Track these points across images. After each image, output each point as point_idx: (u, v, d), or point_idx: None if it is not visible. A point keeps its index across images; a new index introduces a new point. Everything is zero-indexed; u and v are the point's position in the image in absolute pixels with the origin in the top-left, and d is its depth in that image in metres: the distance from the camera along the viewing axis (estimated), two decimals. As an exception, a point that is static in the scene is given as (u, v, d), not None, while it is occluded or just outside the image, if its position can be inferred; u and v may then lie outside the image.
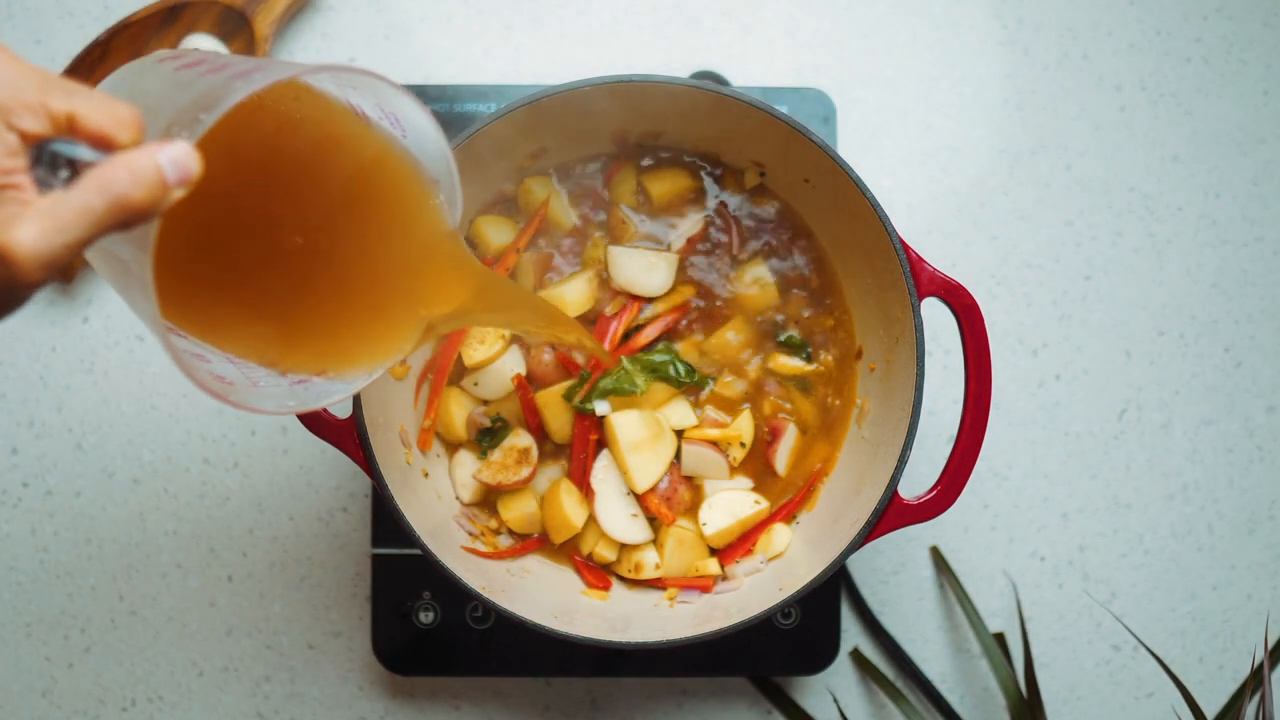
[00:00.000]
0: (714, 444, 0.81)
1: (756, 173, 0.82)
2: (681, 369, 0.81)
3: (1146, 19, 0.93)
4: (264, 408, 0.59)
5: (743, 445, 0.82)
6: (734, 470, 0.82)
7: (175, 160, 0.49)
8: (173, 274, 0.53)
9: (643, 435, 0.81)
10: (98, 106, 0.48)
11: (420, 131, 0.60)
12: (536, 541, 0.82)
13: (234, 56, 0.58)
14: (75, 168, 0.48)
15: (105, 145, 0.48)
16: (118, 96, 0.52)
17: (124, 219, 0.47)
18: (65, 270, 0.88)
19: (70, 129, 0.48)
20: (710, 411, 0.83)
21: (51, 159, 0.48)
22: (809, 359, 0.83)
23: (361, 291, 0.61)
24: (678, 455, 0.82)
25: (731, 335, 0.82)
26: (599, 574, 0.82)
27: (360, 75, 0.56)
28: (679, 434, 0.82)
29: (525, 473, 0.81)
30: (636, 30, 0.92)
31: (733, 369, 0.83)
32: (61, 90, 0.48)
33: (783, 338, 0.82)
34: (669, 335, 0.82)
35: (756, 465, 0.82)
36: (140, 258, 0.51)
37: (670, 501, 0.81)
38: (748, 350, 0.83)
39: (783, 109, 0.77)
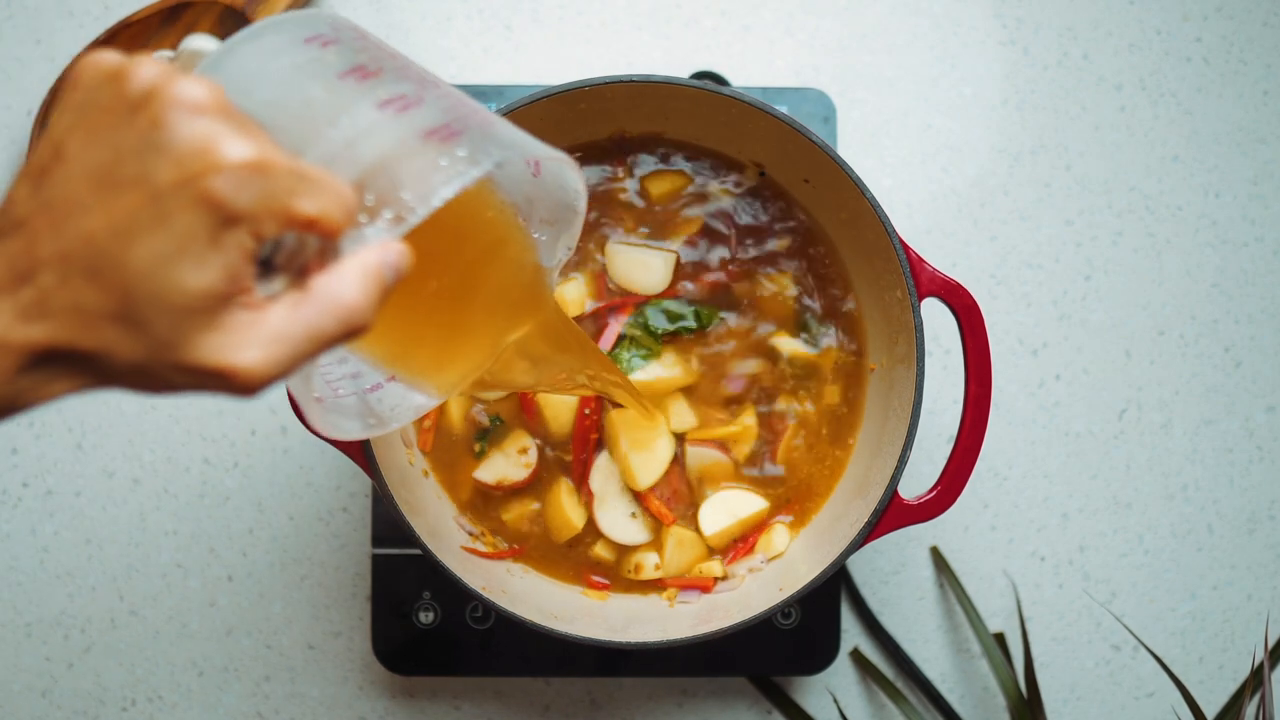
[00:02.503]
0: (719, 443, 0.81)
1: (756, 172, 0.82)
2: (689, 313, 0.81)
3: (1146, 19, 0.93)
4: (341, 429, 0.57)
5: (748, 442, 0.82)
6: (738, 468, 0.82)
7: (395, 265, 0.46)
8: None
9: (643, 434, 0.81)
10: (324, 193, 0.45)
11: (562, 184, 0.58)
12: (535, 542, 0.82)
13: (407, 69, 0.52)
14: (288, 257, 0.45)
15: (325, 234, 0.45)
16: (260, 96, 0.48)
17: (350, 334, 0.45)
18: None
19: (303, 224, 0.45)
20: (718, 411, 0.83)
21: (269, 253, 0.45)
22: (814, 344, 0.82)
23: (456, 309, 0.59)
24: (679, 455, 0.82)
25: (735, 318, 0.82)
26: (599, 574, 0.82)
27: (570, 169, 0.55)
28: (680, 436, 0.82)
29: (525, 473, 0.81)
30: (636, 30, 0.92)
31: (737, 362, 0.83)
32: (302, 185, 0.44)
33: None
34: (672, 338, 0.82)
35: (759, 465, 0.82)
36: None
37: (670, 501, 0.81)
38: (750, 351, 0.83)
39: (783, 109, 0.77)
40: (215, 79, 0.48)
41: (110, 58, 0.44)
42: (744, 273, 0.82)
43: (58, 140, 0.43)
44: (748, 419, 0.82)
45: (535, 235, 0.61)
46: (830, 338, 0.83)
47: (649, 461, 0.81)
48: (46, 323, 0.42)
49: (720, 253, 0.82)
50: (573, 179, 0.57)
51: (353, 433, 0.58)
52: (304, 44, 0.50)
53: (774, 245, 0.82)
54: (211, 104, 0.43)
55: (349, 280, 0.45)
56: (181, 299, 0.42)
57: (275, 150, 0.44)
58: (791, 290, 0.82)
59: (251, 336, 0.43)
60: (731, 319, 0.82)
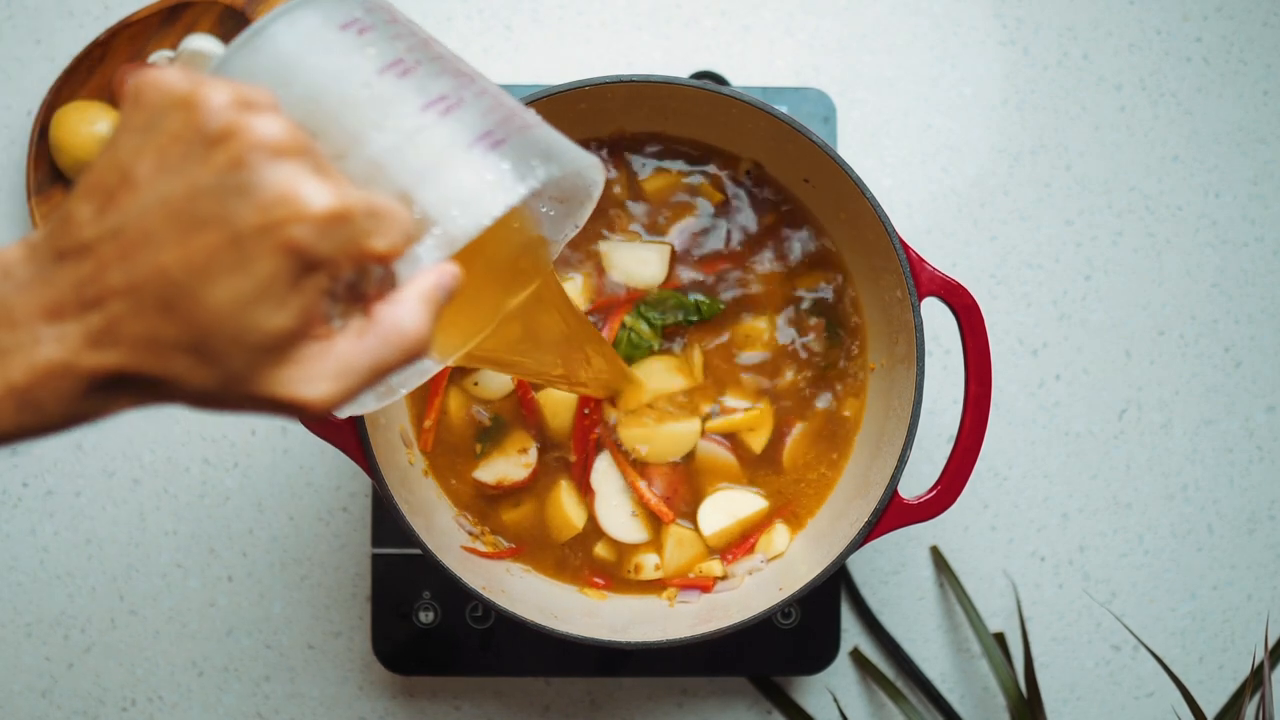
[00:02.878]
0: (727, 437, 0.81)
1: (753, 170, 0.82)
2: (692, 303, 0.81)
3: (1146, 19, 0.93)
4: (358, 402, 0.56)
5: (762, 432, 0.81)
6: (742, 464, 0.82)
7: (449, 288, 0.47)
8: None
9: (647, 432, 0.81)
10: (393, 227, 0.45)
11: (580, 172, 0.57)
12: (535, 542, 0.82)
13: (441, 60, 0.50)
14: (350, 286, 0.45)
15: (382, 261, 0.46)
16: (299, 89, 0.47)
17: (411, 360, 0.46)
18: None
19: (375, 260, 0.46)
20: (729, 399, 0.82)
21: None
22: (814, 343, 0.82)
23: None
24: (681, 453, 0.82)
25: (736, 316, 0.82)
26: (599, 574, 0.82)
27: (596, 170, 0.54)
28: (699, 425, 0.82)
29: (525, 473, 0.81)
30: (636, 30, 0.92)
31: (744, 353, 0.83)
32: (375, 223, 0.44)
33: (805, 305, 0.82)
34: (674, 333, 0.82)
35: (761, 463, 0.82)
36: None
37: (670, 500, 0.81)
38: (750, 349, 0.83)
39: (783, 109, 0.77)
40: (252, 64, 0.47)
41: (178, 81, 0.43)
42: (741, 269, 0.82)
43: (124, 163, 0.43)
44: (760, 405, 0.82)
45: (545, 210, 0.62)
46: (830, 337, 0.83)
47: (671, 441, 0.81)
48: (116, 350, 0.43)
49: (715, 248, 0.82)
50: (595, 175, 0.57)
51: (366, 405, 0.58)
52: (339, 30, 0.49)
53: (772, 242, 0.82)
54: (291, 145, 0.43)
55: (410, 309, 0.46)
56: (258, 338, 0.43)
57: (350, 190, 0.44)
58: (791, 290, 0.82)
59: (321, 369, 0.44)
60: (731, 316, 0.82)
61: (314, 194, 0.42)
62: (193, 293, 0.42)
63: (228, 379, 0.43)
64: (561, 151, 0.51)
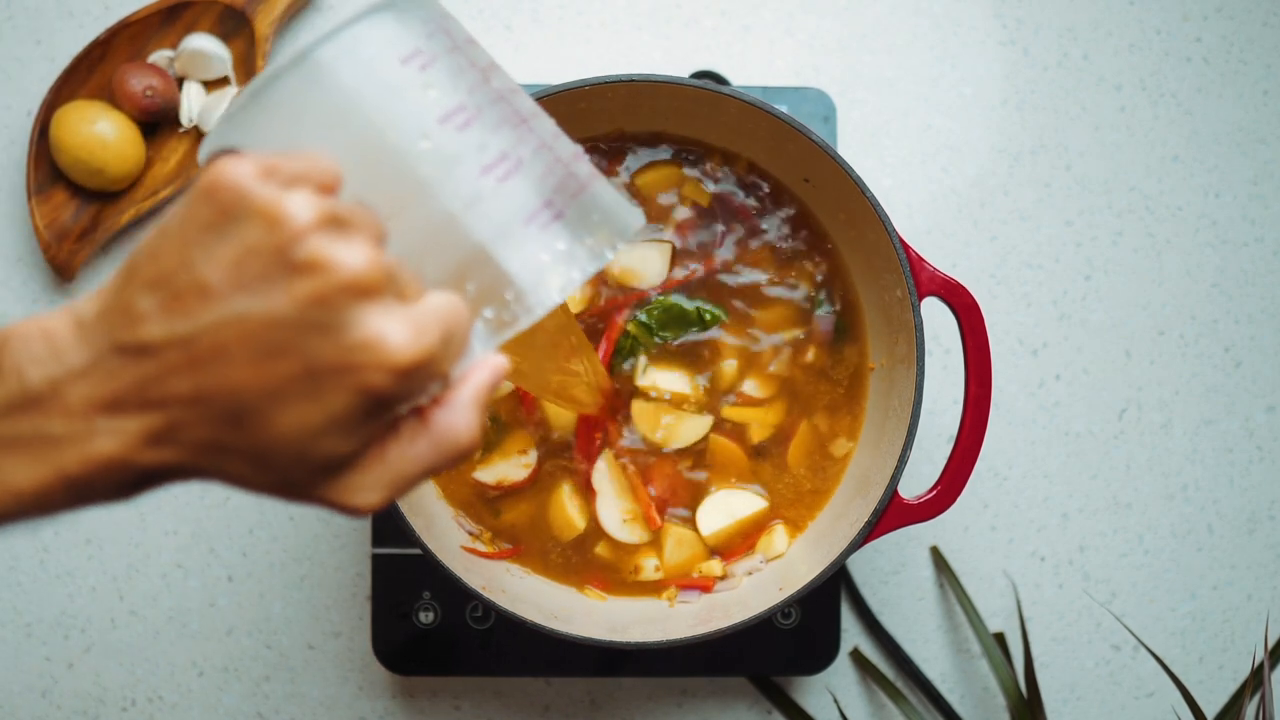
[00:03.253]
0: (735, 428, 0.81)
1: (754, 169, 0.82)
2: (694, 314, 0.81)
3: (1146, 19, 0.93)
4: None
5: (772, 422, 0.81)
6: (746, 459, 0.82)
7: (498, 383, 0.46)
8: None
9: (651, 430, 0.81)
10: (459, 350, 0.44)
11: (629, 229, 0.53)
12: (535, 542, 0.82)
13: (500, 100, 0.47)
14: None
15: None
16: (355, 130, 0.44)
17: (459, 463, 0.46)
18: (66, 269, 0.88)
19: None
20: (746, 386, 0.82)
21: None
22: (814, 342, 0.82)
23: None
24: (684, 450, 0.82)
25: (736, 317, 0.82)
26: (599, 574, 0.82)
27: (637, 219, 0.51)
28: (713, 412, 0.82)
29: (525, 473, 0.81)
30: (636, 30, 0.92)
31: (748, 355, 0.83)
32: (449, 350, 0.43)
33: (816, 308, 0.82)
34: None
35: (764, 460, 0.82)
36: None
37: (669, 501, 0.81)
38: (751, 349, 0.83)
39: (783, 108, 0.77)
40: (306, 93, 0.44)
41: (258, 189, 0.41)
42: (740, 269, 0.82)
43: (194, 264, 0.41)
44: (767, 393, 0.81)
45: None
46: (829, 337, 0.83)
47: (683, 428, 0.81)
48: (176, 449, 0.43)
49: (714, 248, 0.82)
50: (637, 223, 0.54)
51: None
52: (401, 65, 0.45)
53: (771, 242, 0.82)
54: (377, 281, 0.41)
55: (463, 414, 0.45)
56: (320, 461, 0.43)
57: (430, 318, 0.42)
58: (791, 289, 0.82)
59: (374, 479, 0.44)
60: (732, 318, 0.82)
61: (398, 345, 0.41)
62: (262, 414, 0.42)
63: (283, 485, 0.44)
64: (614, 216, 0.49)
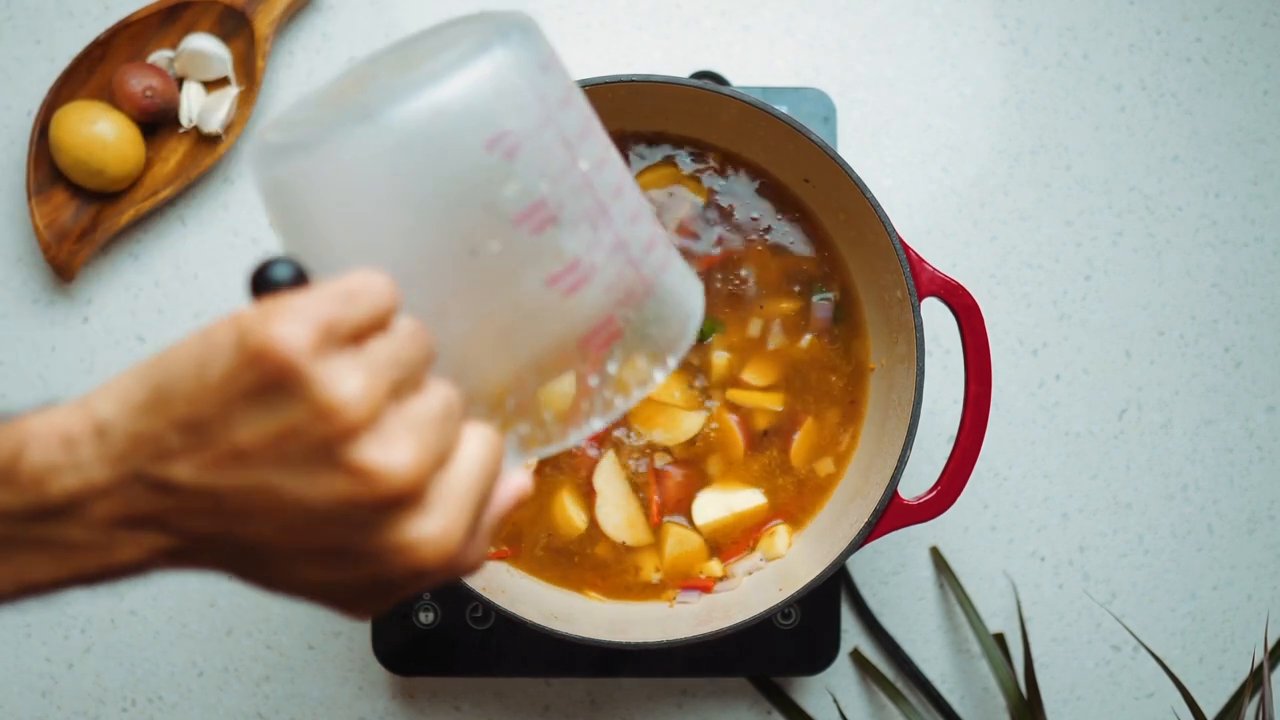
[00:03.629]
0: (735, 423, 0.81)
1: (754, 169, 0.82)
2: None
3: (1146, 19, 0.93)
4: None
5: (774, 406, 0.81)
6: (750, 458, 0.82)
7: (518, 503, 0.45)
8: None
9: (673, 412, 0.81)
10: (484, 514, 0.43)
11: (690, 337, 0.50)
12: (535, 543, 0.82)
13: (581, 193, 0.42)
14: None
15: None
16: (422, 212, 0.40)
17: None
18: (66, 269, 0.88)
19: None
20: (746, 375, 0.82)
21: None
22: (813, 343, 0.82)
23: None
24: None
25: (735, 317, 0.82)
26: (599, 575, 0.82)
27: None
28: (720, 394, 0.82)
29: (525, 473, 0.81)
30: (636, 30, 0.92)
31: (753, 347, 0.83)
32: (479, 520, 0.42)
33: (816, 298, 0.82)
34: None
35: (763, 457, 0.82)
36: None
37: (672, 505, 0.81)
38: (752, 349, 0.83)
39: (783, 109, 0.77)
40: (372, 158, 0.39)
41: (313, 373, 0.37)
42: (739, 269, 0.82)
43: (233, 428, 0.38)
44: (775, 384, 0.81)
45: None
46: (829, 337, 0.83)
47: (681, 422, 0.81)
48: (192, 565, 0.43)
49: (714, 248, 0.82)
50: (689, 336, 0.49)
51: None
52: (485, 152, 0.39)
53: (771, 243, 0.82)
54: (418, 490, 0.39)
55: (479, 545, 0.44)
56: (331, 604, 0.43)
57: (469, 509, 0.41)
58: (790, 287, 0.82)
59: (376, 603, 0.44)
60: (731, 319, 0.82)
61: (431, 551, 0.40)
62: (282, 567, 0.41)
63: (289, 595, 0.44)
64: (672, 324, 0.45)
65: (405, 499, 0.39)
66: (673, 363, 0.45)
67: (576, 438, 0.43)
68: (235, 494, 0.39)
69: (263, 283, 0.39)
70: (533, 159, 0.41)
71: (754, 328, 0.82)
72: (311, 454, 0.38)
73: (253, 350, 0.37)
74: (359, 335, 0.39)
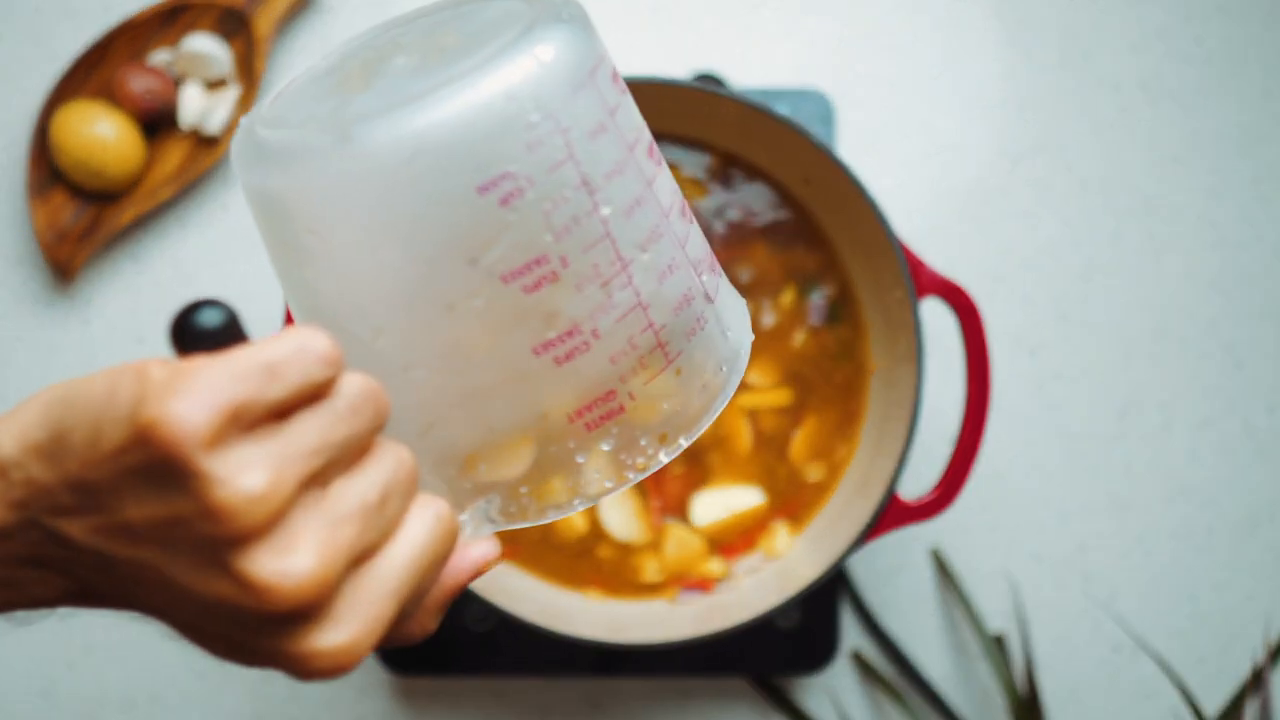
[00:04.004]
0: (736, 423, 0.81)
1: (754, 169, 0.82)
2: None
3: (1147, 19, 0.93)
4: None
5: (770, 419, 0.81)
6: (752, 457, 0.82)
7: (473, 580, 0.39)
8: None
9: None
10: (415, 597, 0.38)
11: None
12: (535, 543, 0.82)
13: (598, 245, 0.35)
14: None
15: None
16: (399, 253, 0.34)
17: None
18: (66, 270, 0.88)
19: None
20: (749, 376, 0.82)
21: None
22: (814, 343, 0.82)
23: None
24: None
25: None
26: (600, 575, 0.82)
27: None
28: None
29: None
30: (636, 30, 0.92)
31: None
32: (403, 606, 0.37)
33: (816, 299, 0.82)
34: None
35: (764, 458, 0.82)
36: None
37: (673, 506, 0.81)
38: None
39: (782, 109, 0.77)
40: (349, 184, 0.34)
41: (202, 468, 0.32)
42: (739, 270, 0.82)
43: (121, 503, 0.34)
44: (777, 384, 0.81)
45: None
46: (829, 338, 0.83)
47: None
48: (104, 605, 0.41)
49: (714, 248, 0.82)
50: (702, 425, 0.42)
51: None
52: (477, 195, 0.33)
53: (770, 243, 0.82)
54: (316, 602, 0.34)
55: (423, 622, 0.40)
56: (252, 655, 0.39)
57: (385, 611, 0.36)
58: (790, 290, 0.82)
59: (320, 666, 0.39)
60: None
61: (329, 665, 0.36)
62: (187, 635, 0.40)
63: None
64: (694, 415, 0.37)
65: (301, 613, 0.34)
66: (685, 443, 0.38)
67: (555, 516, 0.38)
68: (126, 564, 0.37)
69: (186, 330, 0.34)
70: (536, 207, 0.34)
71: (752, 327, 0.82)
72: (197, 551, 0.34)
73: (143, 426, 0.32)
74: (283, 411, 0.34)
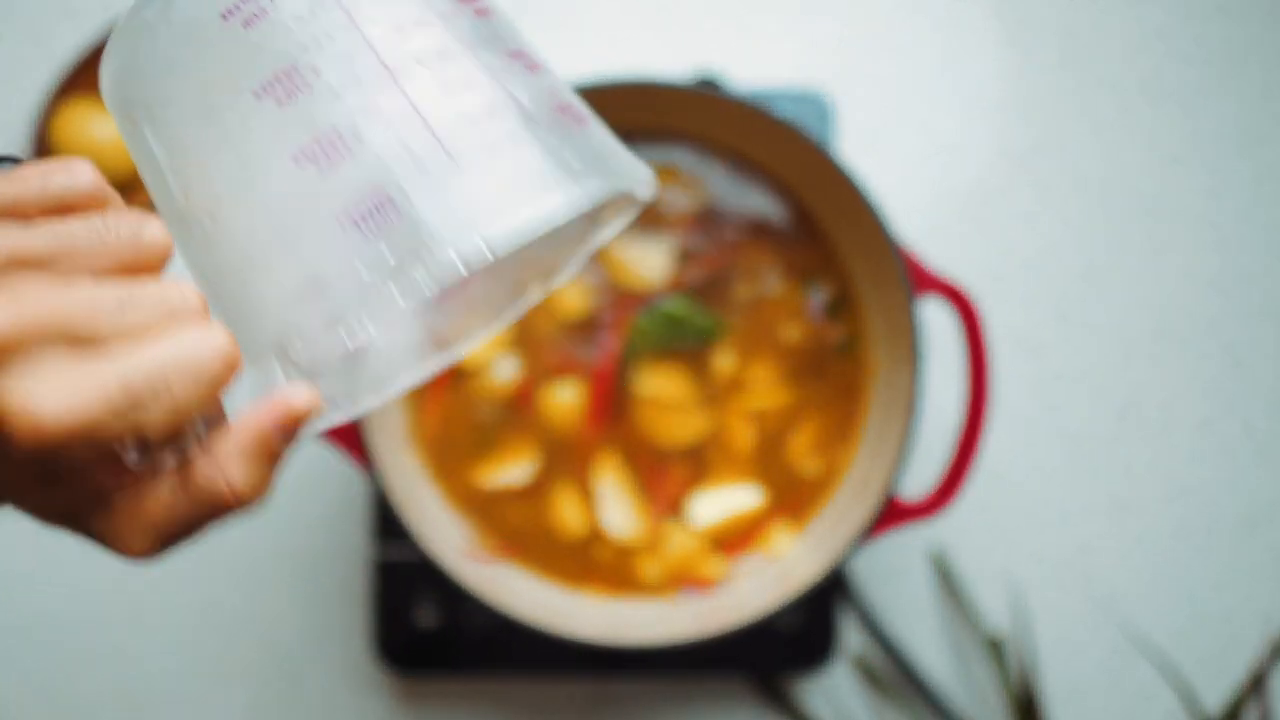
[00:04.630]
0: (736, 424, 0.81)
1: (754, 169, 0.82)
2: (694, 327, 0.81)
3: (1146, 19, 0.93)
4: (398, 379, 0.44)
5: (770, 421, 0.81)
6: (751, 457, 0.82)
7: (290, 430, 0.38)
8: None
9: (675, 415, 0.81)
10: (160, 402, 0.35)
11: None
12: (535, 543, 0.82)
13: (355, 55, 0.36)
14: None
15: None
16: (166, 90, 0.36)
17: (238, 514, 0.38)
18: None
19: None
20: (748, 377, 0.82)
21: None
22: (813, 342, 0.83)
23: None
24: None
25: (736, 318, 0.82)
26: (599, 575, 0.82)
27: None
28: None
29: (525, 473, 0.81)
30: (636, 30, 0.92)
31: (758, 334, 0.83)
32: (137, 408, 0.34)
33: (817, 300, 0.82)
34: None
35: (764, 458, 0.82)
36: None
37: (672, 503, 0.81)
38: (754, 350, 0.83)
39: (782, 109, 0.77)
40: (141, 45, 0.36)
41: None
42: (739, 270, 0.82)
43: None
44: (775, 387, 0.81)
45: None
46: (829, 338, 0.83)
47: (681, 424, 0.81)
48: None
49: (714, 249, 0.82)
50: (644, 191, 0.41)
51: (340, 416, 0.45)
52: (221, 22, 0.36)
53: (771, 243, 0.83)
54: (12, 341, 0.33)
55: (225, 467, 0.37)
56: (49, 511, 0.37)
57: (112, 386, 0.33)
58: (790, 291, 0.82)
59: (132, 529, 0.37)
60: (731, 321, 0.82)
61: (39, 415, 0.33)
62: None
63: (45, 519, 0.38)
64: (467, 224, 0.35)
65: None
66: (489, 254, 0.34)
67: (393, 391, 0.37)
68: None
69: None
70: (278, 26, 0.36)
71: (753, 328, 0.82)
72: None
73: None
74: (20, 213, 0.34)
